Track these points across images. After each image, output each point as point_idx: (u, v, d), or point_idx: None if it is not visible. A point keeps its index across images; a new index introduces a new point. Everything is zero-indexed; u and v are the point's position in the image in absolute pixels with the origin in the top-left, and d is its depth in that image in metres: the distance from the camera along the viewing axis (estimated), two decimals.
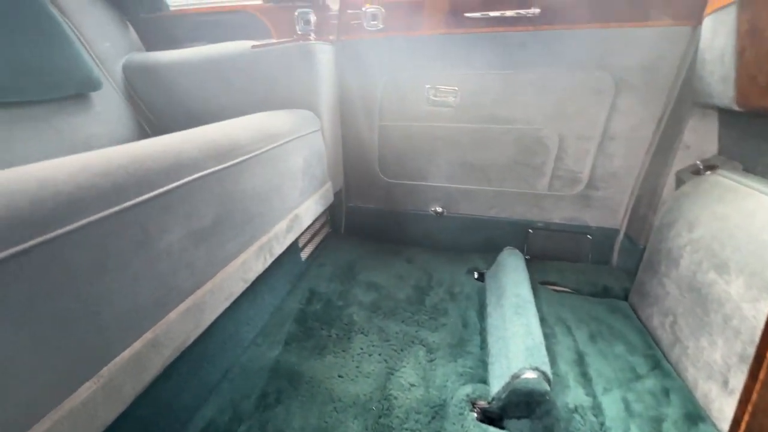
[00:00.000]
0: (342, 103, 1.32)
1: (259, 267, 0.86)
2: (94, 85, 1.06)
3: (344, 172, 1.43)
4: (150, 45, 1.37)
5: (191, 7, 1.32)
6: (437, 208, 1.39)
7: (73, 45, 1.03)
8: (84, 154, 0.55)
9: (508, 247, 1.23)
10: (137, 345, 0.55)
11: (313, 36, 1.16)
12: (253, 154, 0.80)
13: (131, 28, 1.32)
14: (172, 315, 0.61)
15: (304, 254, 1.27)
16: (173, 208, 0.60)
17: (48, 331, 0.43)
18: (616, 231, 1.24)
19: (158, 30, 1.36)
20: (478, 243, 1.38)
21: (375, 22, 1.18)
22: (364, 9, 1.17)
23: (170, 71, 1.19)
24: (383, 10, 1.16)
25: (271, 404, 0.76)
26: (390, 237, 1.46)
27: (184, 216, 0.62)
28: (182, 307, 0.63)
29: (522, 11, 1.05)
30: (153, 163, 0.59)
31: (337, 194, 1.39)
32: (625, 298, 1.09)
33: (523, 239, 1.33)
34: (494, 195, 1.32)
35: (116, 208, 0.51)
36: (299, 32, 1.20)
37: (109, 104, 1.13)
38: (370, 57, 1.24)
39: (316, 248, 1.36)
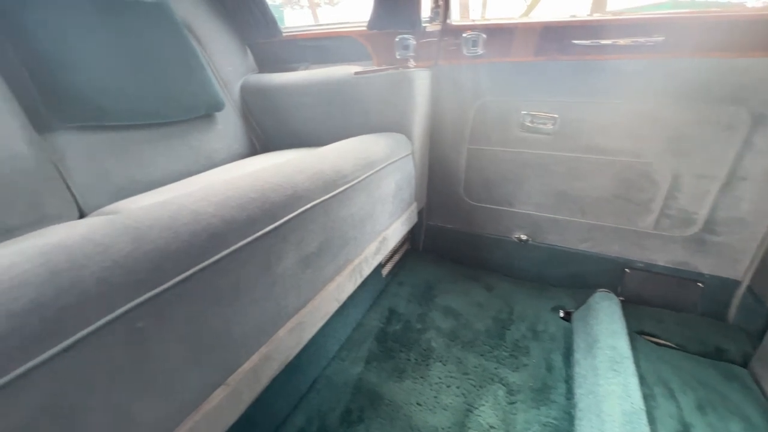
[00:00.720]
0: (432, 126, 1.34)
1: (350, 287, 0.91)
2: (220, 106, 1.20)
3: (427, 192, 1.45)
4: (262, 66, 1.51)
5: (300, 32, 1.44)
6: (521, 236, 1.34)
7: (206, 71, 1.18)
8: (221, 184, 0.64)
9: (601, 290, 1.14)
10: (255, 358, 0.62)
11: (412, 62, 1.19)
12: (354, 182, 0.85)
13: (249, 52, 1.48)
14: (281, 332, 0.68)
15: (384, 270, 1.31)
16: (289, 236, 0.66)
17: (198, 345, 0.51)
18: (737, 283, 1.09)
19: (270, 52, 1.50)
20: (565, 277, 1.30)
21: (475, 48, 1.17)
22: (464, 35, 1.17)
23: (280, 92, 1.31)
24: (484, 36, 1.16)
25: (354, 421, 0.80)
26: (469, 260, 1.44)
27: (296, 243, 0.68)
28: (289, 325, 0.70)
29: (641, 39, 0.97)
30: (276, 196, 0.66)
31: (418, 213, 1.41)
32: (745, 364, 0.95)
33: (616, 279, 1.23)
34: (588, 228, 1.23)
35: (249, 239, 0.58)
36: (398, 56, 1.25)
37: (228, 122, 1.28)
38: (466, 81, 1.23)
39: (395, 265, 1.40)
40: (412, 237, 1.54)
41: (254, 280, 0.59)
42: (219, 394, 0.55)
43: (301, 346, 0.74)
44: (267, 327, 0.64)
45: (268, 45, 1.49)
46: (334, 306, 0.85)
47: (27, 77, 0.83)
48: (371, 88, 1.18)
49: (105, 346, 0.40)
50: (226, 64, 1.35)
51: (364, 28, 1.34)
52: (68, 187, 0.86)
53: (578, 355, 0.94)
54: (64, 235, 0.45)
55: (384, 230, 1.07)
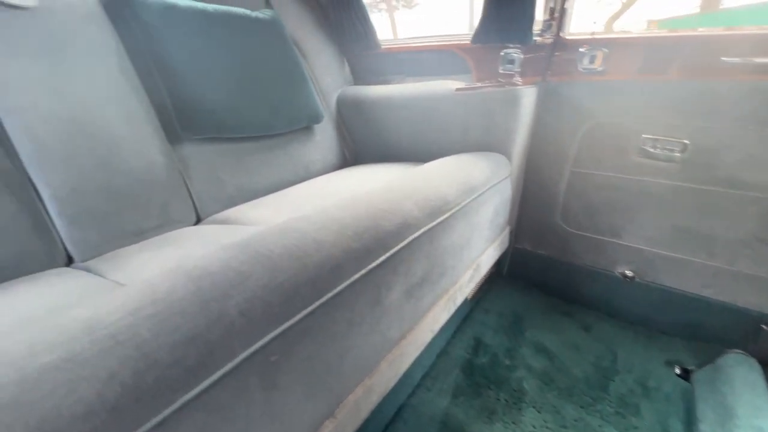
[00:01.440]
0: (532, 144, 1.25)
1: (444, 317, 0.87)
2: (319, 118, 1.23)
3: (518, 213, 1.36)
4: (357, 77, 1.53)
5: (398, 45, 1.43)
6: (627, 272, 1.20)
7: (308, 85, 1.22)
8: (335, 210, 0.63)
9: (734, 351, 0.97)
10: (359, 390, 0.61)
11: (518, 78, 1.12)
12: (456, 208, 0.81)
13: (346, 63, 1.51)
14: (383, 364, 0.66)
15: (468, 294, 1.26)
16: (398, 267, 0.64)
17: (314, 378, 0.51)
18: None
19: (365, 63, 1.52)
20: (680, 325, 1.13)
21: (592, 65, 1.07)
22: (580, 49, 1.07)
23: (376, 105, 1.31)
24: (605, 51, 1.04)
25: None
26: (561, 291, 1.32)
27: (404, 274, 0.66)
28: (390, 357, 0.68)
29: None
30: (387, 224, 0.64)
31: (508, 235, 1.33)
32: None
33: (749, 335, 1.04)
34: (714, 272, 1.06)
35: (364, 271, 0.57)
36: (501, 71, 1.18)
37: (325, 133, 1.31)
38: (577, 99, 1.13)
39: (480, 289, 1.33)
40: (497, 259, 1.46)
41: (365, 313, 0.58)
42: (327, 426, 0.55)
43: (398, 377, 0.72)
44: (372, 359, 0.63)
45: (363, 56, 1.50)
46: (429, 336, 0.81)
47: (165, 94, 0.91)
48: (472, 106, 1.13)
49: (244, 380, 0.41)
50: (326, 75, 1.38)
51: (465, 41, 1.29)
52: (190, 195, 0.94)
53: (704, 427, 0.80)
54: (206, 261, 0.47)
55: (478, 257, 1.02)
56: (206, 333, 0.39)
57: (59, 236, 0.74)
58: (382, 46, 1.43)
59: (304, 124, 1.20)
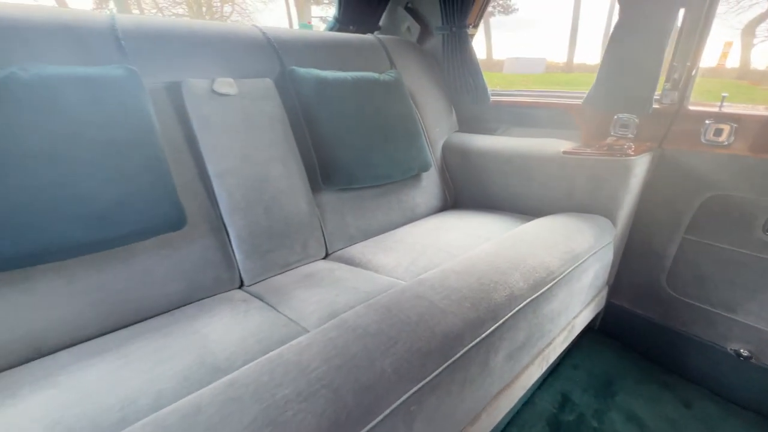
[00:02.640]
0: (640, 208, 1.24)
1: (537, 374, 0.94)
2: (428, 167, 1.38)
3: (618, 268, 1.35)
4: (462, 123, 1.65)
5: (507, 99, 1.52)
6: (742, 350, 1.12)
7: (422, 137, 1.37)
8: (454, 278, 0.76)
9: None
10: None
11: (630, 146, 1.13)
12: (559, 278, 0.88)
13: (454, 111, 1.63)
14: (482, 414, 0.77)
15: None
16: (504, 335, 0.74)
17: (437, 426, 0.64)
18: None
19: (473, 112, 1.62)
20: None
21: (718, 138, 1.04)
22: (707, 122, 1.05)
23: (480, 155, 1.41)
24: (734, 126, 1.01)
25: None
26: (659, 358, 1.28)
27: (509, 340, 0.76)
28: (488, 408, 0.78)
29: None
30: (498, 296, 0.74)
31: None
32: None
33: None
34: None
35: (478, 339, 0.68)
36: (613, 134, 1.20)
37: (430, 179, 1.45)
38: (696, 169, 1.10)
39: (570, 342, 1.35)
40: None
41: (476, 373, 0.69)
42: None
43: (492, 427, 0.82)
44: (473, 411, 0.74)
45: (473, 106, 1.61)
46: (521, 392, 0.89)
47: (313, 153, 1.13)
48: (579, 169, 1.17)
49: (393, 425, 0.55)
50: (436, 126, 1.52)
51: (575, 101, 1.33)
52: (323, 234, 1.14)
53: None
54: (363, 320, 0.63)
55: (575, 318, 1.06)
56: (374, 384, 0.54)
57: (237, 266, 0.98)
58: (491, 99, 1.53)
59: (415, 172, 1.35)
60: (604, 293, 1.23)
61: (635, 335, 1.34)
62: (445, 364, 0.62)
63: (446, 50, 1.52)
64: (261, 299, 0.89)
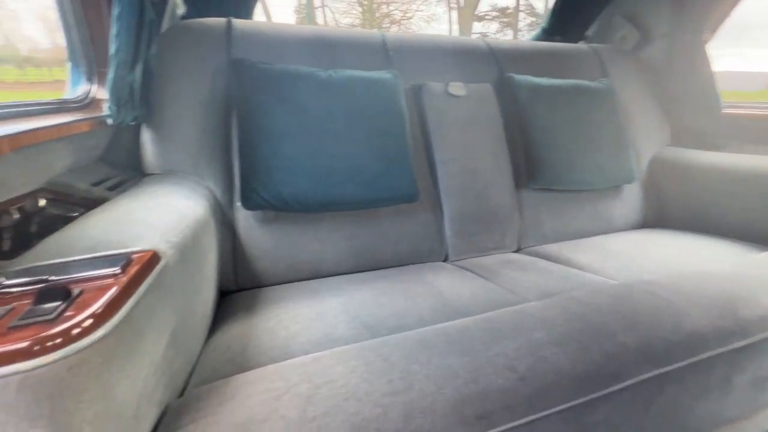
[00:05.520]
0: None
1: None
2: (632, 179, 1.31)
3: None
4: (678, 138, 1.49)
5: (744, 111, 1.32)
6: None
7: (629, 149, 1.31)
8: (677, 280, 0.72)
9: None
10: None
11: None
12: None
13: (668, 125, 1.49)
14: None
15: None
16: (754, 356, 0.68)
17: (671, 421, 0.64)
18: None
19: (693, 126, 1.46)
20: None
21: None
22: None
23: (705, 172, 1.26)
24: None
25: None
26: None
27: (758, 363, 0.69)
28: (723, 429, 0.73)
29: None
30: (747, 312, 0.68)
31: None
32: None
33: None
34: None
35: (722, 349, 0.64)
36: None
37: (632, 192, 1.37)
38: None
39: None
40: None
41: (714, 387, 0.65)
42: None
43: None
44: (704, 427, 0.70)
45: (690, 117, 1.45)
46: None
47: (521, 153, 1.21)
48: None
49: (635, 397, 0.58)
50: (644, 137, 1.43)
51: None
52: (518, 229, 1.21)
53: None
54: (592, 301, 0.67)
55: None
56: (618, 354, 0.58)
57: (446, 242, 1.13)
58: (724, 111, 1.35)
59: (617, 183, 1.30)
60: None
61: None
62: (688, 361, 0.61)
63: (672, 58, 1.41)
64: (471, 272, 1.01)
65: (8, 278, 0.43)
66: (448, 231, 1.12)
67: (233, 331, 0.72)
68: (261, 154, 0.92)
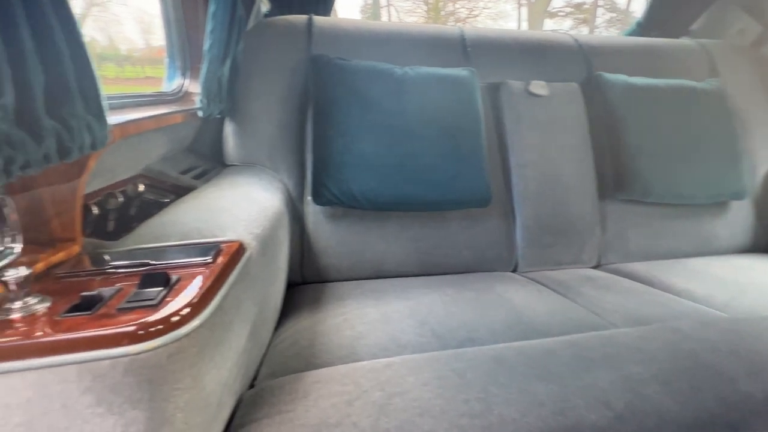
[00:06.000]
0: None
1: None
2: (742, 196, 1.13)
3: None
4: None
5: None
6: None
7: (740, 160, 1.13)
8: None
9: None
10: None
11: None
12: None
13: None
14: None
15: None
16: None
17: None
18: None
19: None
20: None
21: None
22: None
23: None
24: None
25: None
26: None
27: None
28: None
29: None
30: None
31: None
32: None
33: None
34: None
35: None
36: None
37: (741, 210, 1.19)
38: None
39: None
40: None
41: None
42: None
43: None
44: None
45: None
46: None
47: (608, 159, 1.10)
48: None
49: None
50: (761, 148, 1.23)
51: None
52: (599, 243, 1.10)
53: None
54: (705, 336, 0.58)
55: None
56: (738, 403, 0.49)
57: (517, 252, 1.06)
58: None
59: (724, 199, 1.14)
60: None
61: None
62: None
63: None
64: (545, 286, 0.94)
65: (113, 259, 0.46)
66: (519, 240, 1.05)
67: (300, 325, 0.73)
68: (333, 150, 0.93)
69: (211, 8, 0.82)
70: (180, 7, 0.92)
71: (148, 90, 0.94)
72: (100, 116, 0.45)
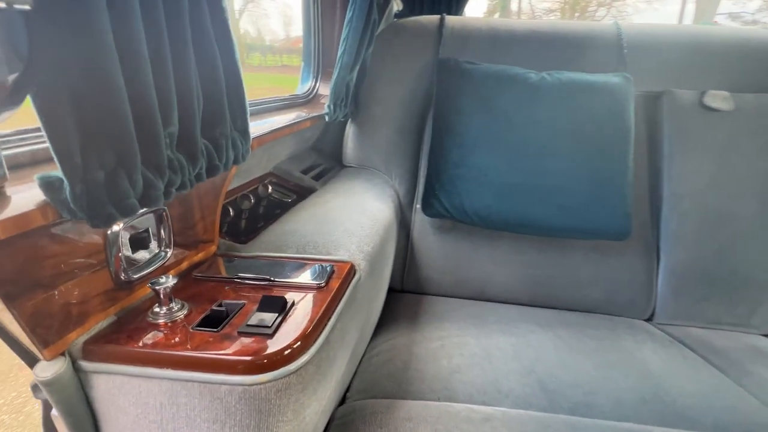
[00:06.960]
0: None
1: None
2: None
3: None
4: None
5: None
6: None
7: None
8: None
9: None
10: None
11: None
12: None
13: None
14: None
15: None
16: None
17: None
18: None
19: None
20: None
21: None
22: None
23: None
24: None
25: None
26: None
27: None
28: None
29: None
30: None
31: None
32: None
33: None
34: None
35: None
36: None
37: None
38: None
39: None
40: None
41: None
42: None
43: None
44: None
45: None
46: None
47: None
48: None
49: None
50: None
51: None
52: None
53: None
54: None
55: None
56: None
57: (655, 298, 0.88)
58: None
59: None
60: None
61: None
62: None
63: None
64: (693, 350, 0.76)
65: (240, 266, 0.50)
66: (662, 285, 0.87)
67: (396, 341, 0.72)
68: (448, 161, 0.88)
69: (348, 14, 0.83)
70: (319, 15, 0.96)
71: (278, 77, 1.01)
72: (244, 132, 0.48)
